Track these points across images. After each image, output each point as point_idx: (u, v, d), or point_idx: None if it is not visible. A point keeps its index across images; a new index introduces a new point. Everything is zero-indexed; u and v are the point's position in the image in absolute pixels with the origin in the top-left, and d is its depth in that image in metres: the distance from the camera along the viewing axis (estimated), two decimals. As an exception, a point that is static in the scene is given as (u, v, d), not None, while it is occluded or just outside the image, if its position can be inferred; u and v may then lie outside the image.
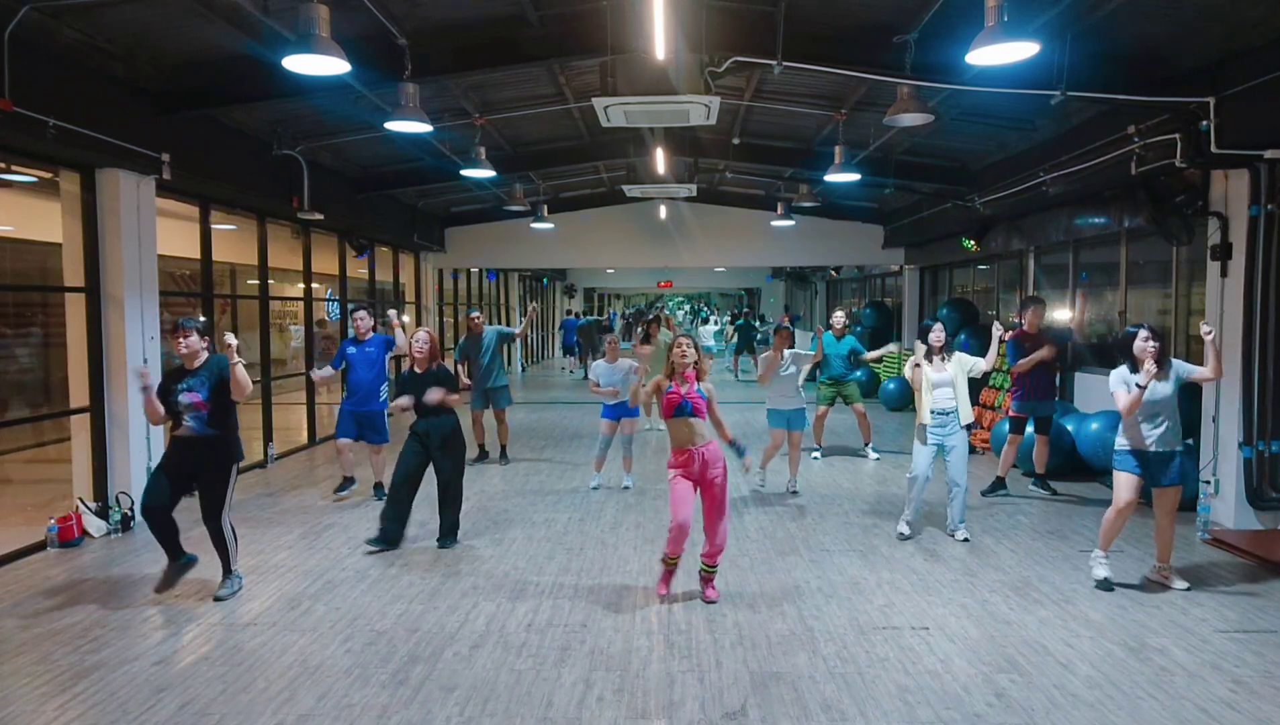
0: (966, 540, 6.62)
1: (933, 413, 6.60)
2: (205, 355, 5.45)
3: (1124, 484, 5.48)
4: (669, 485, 5.28)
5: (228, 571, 5.56)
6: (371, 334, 8.03)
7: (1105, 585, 5.54)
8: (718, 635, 4.84)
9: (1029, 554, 6.35)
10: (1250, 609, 5.24)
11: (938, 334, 6.72)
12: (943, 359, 6.70)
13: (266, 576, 5.91)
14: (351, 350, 7.97)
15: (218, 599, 5.41)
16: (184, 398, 5.33)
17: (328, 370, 8.11)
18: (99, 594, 5.57)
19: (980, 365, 6.78)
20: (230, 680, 4.31)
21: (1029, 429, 8.39)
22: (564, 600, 5.42)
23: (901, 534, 6.72)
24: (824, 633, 4.87)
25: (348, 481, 8.16)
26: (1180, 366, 5.57)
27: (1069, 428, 8.95)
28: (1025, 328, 8.27)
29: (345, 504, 7.94)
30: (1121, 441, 5.54)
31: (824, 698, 4.11)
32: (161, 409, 5.37)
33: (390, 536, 6.48)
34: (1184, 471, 5.57)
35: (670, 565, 5.43)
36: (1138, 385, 5.35)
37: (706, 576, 5.42)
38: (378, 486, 8.03)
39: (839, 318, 10.33)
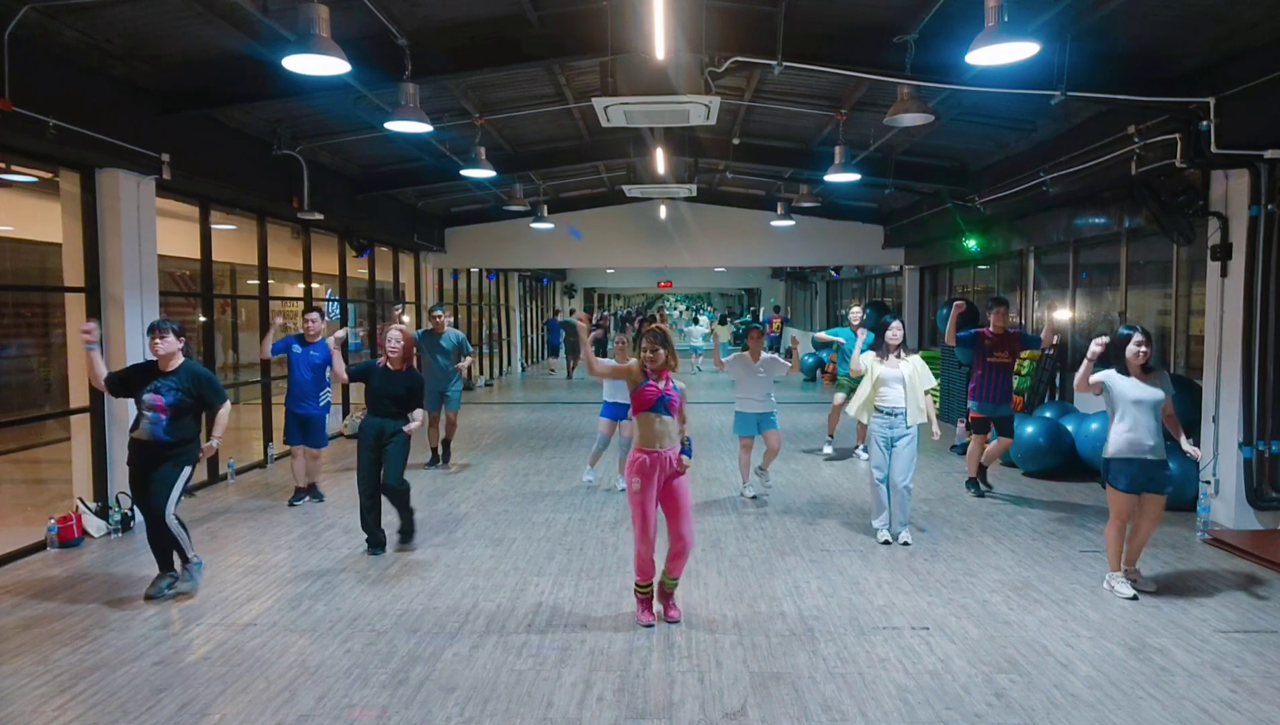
0: (907, 544, 6.51)
1: (879, 410, 6.56)
2: (180, 358, 5.44)
3: (1121, 503, 5.43)
4: (629, 500, 4.97)
5: (185, 561, 5.56)
6: (321, 338, 7.86)
7: (1135, 599, 5.44)
8: (718, 635, 4.84)
9: (1029, 554, 6.35)
10: (1250, 609, 5.24)
11: (894, 331, 6.68)
12: (898, 356, 6.64)
13: (267, 576, 5.91)
14: (297, 349, 7.80)
15: (183, 593, 5.43)
16: (147, 397, 5.32)
17: (266, 351, 8.02)
18: (99, 594, 5.57)
19: (928, 384, 6.63)
20: (230, 680, 4.31)
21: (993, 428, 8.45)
22: (564, 600, 5.42)
23: (885, 540, 6.61)
24: (824, 633, 4.87)
25: (300, 492, 8.05)
26: (1168, 384, 5.49)
27: (1069, 428, 8.95)
28: (991, 328, 8.24)
29: (346, 504, 7.93)
30: (1116, 448, 5.42)
31: (824, 698, 4.11)
32: (102, 371, 5.40)
33: (377, 540, 6.48)
34: (1171, 479, 5.53)
35: (644, 594, 5.05)
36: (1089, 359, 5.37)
37: (667, 591, 5.05)
38: (311, 487, 8.06)
39: (855, 313, 10.31)
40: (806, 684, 4.25)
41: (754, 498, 8.19)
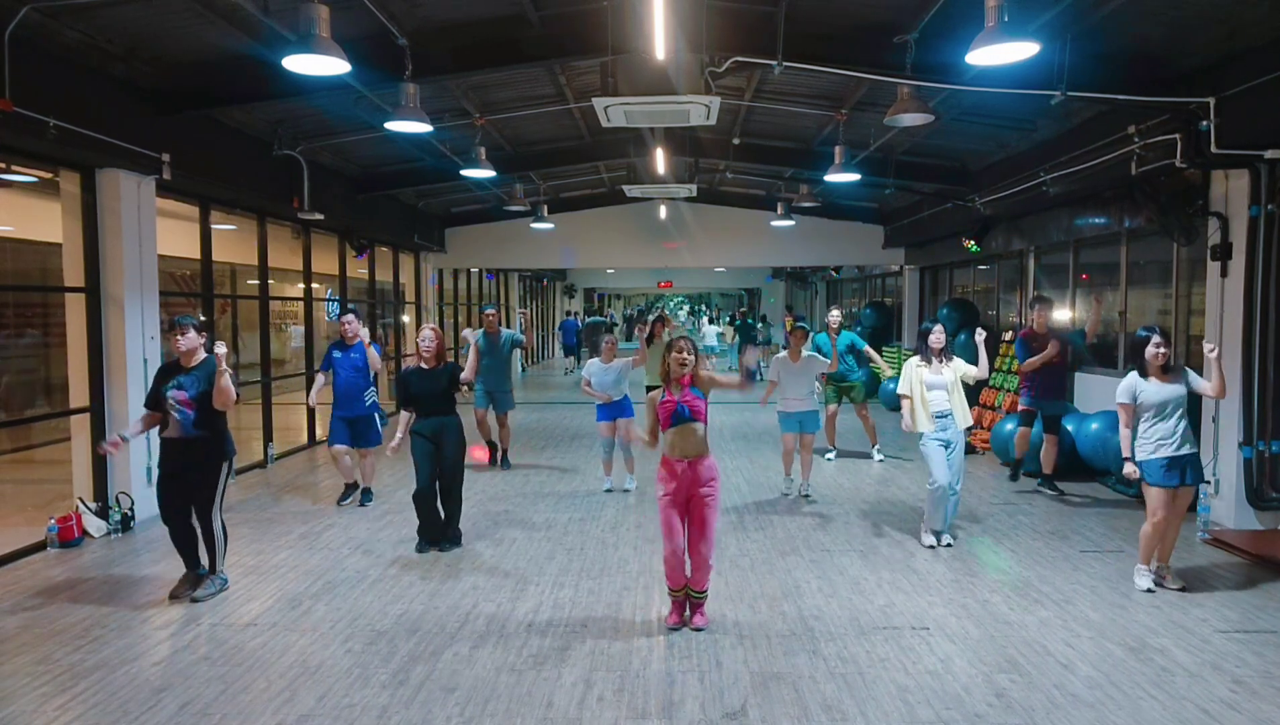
0: (950, 546, 6.48)
1: (933, 416, 6.47)
2: (203, 354, 5.46)
3: (1157, 499, 5.41)
4: (658, 505, 4.94)
5: (213, 570, 5.56)
6: (359, 339, 7.88)
7: (1151, 593, 5.48)
8: (718, 635, 4.84)
9: (1029, 554, 6.35)
10: (1250, 609, 5.25)
11: (938, 336, 6.57)
12: (941, 362, 6.56)
13: (266, 576, 5.91)
14: (337, 355, 7.82)
15: (195, 600, 5.37)
16: (172, 395, 5.34)
17: (319, 379, 8.06)
18: (99, 594, 5.57)
19: (973, 372, 6.57)
20: (230, 680, 4.31)
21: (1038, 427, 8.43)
22: (564, 600, 5.42)
23: (930, 545, 6.49)
24: (824, 633, 4.87)
25: (350, 488, 8.05)
26: (1191, 376, 5.51)
27: (1069, 428, 8.94)
28: (1034, 327, 8.25)
29: (346, 504, 7.94)
30: (1146, 448, 5.45)
31: (824, 698, 4.11)
32: (151, 421, 5.48)
33: (430, 537, 6.47)
34: (1200, 472, 5.55)
35: (677, 597, 5.01)
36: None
37: (696, 603, 5.01)
38: (366, 492, 8.00)
39: (834, 317, 10.27)
40: (807, 684, 4.25)
41: (807, 496, 8.14)
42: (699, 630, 4.91)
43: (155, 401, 5.47)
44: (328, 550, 6.52)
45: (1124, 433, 5.56)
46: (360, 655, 4.60)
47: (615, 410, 8.28)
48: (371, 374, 7.96)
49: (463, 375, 6.53)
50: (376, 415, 8.00)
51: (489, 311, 9.77)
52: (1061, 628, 4.94)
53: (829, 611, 5.20)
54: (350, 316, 7.94)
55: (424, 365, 6.49)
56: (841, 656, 4.56)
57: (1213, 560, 6.21)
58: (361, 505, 7.87)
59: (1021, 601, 5.37)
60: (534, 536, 6.87)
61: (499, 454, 9.86)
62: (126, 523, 7.03)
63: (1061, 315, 10.93)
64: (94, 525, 6.87)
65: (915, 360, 6.64)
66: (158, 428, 5.53)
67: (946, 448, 6.47)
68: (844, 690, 4.18)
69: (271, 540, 6.80)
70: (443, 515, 6.55)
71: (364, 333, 7.90)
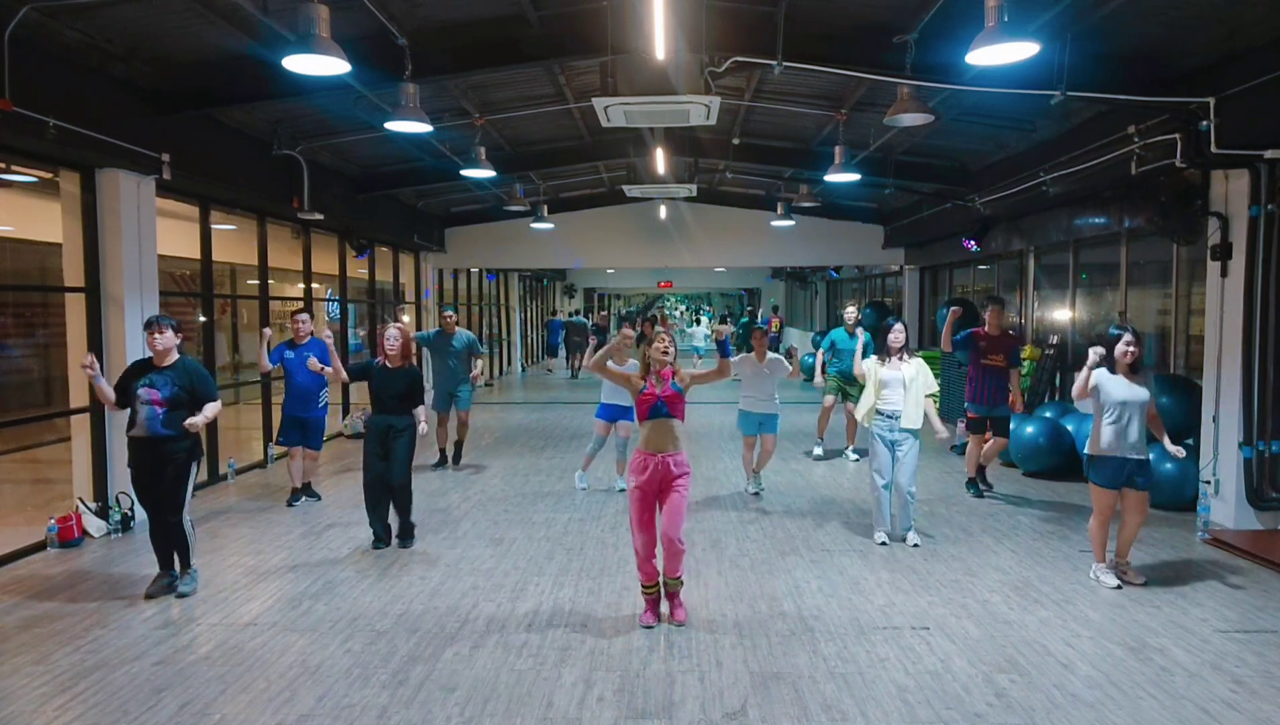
0: (917, 546, 6.47)
1: (878, 413, 6.50)
2: (176, 354, 5.47)
3: (1102, 497, 5.60)
4: (628, 499, 4.99)
5: (186, 566, 5.59)
6: (310, 338, 7.85)
7: (1119, 588, 5.57)
8: (718, 635, 4.84)
9: (1029, 554, 6.35)
10: (1250, 609, 5.25)
11: (896, 335, 6.58)
12: (900, 358, 6.54)
13: (266, 576, 5.91)
14: (289, 354, 7.80)
15: (180, 595, 5.43)
16: (143, 393, 5.33)
17: (265, 363, 8.05)
18: (99, 594, 5.57)
19: (929, 388, 6.52)
20: (230, 680, 4.31)
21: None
22: (564, 600, 5.42)
23: (883, 543, 6.56)
24: (824, 633, 4.88)
25: (297, 493, 8.04)
26: (1153, 385, 5.62)
27: (1069, 428, 8.95)
28: (986, 328, 8.23)
29: (345, 504, 7.94)
30: (1100, 445, 5.54)
31: (824, 698, 4.11)
32: (112, 394, 5.46)
33: (380, 536, 6.56)
34: (1153, 477, 5.60)
35: (649, 594, 5.05)
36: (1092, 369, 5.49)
37: (671, 591, 5.04)
38: (306, 487, 8.06)
39: (850, 313, 10.28)
40: (806, 684, 4.25)
41: (755, 494, 8.24)
42: (680, 625, 4.94)
43: (124, 392, 5.44)
44: (328, 550, 6.52)
45: (1074, 391, 5.63)
46: (360, 655, 4.60)
47: (617, 411, 8.25)
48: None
49: (422, 423, 6.54)
50: (326, 418, 8.09)
51: (447, 313, 9.82)
52: (1061, 628, 4.95)
53: (829, 611, 5.20)
54: (303, 316, 7.93)
55: (388, 364, 6.52)
56: (841, 656, 4.56)
57: (1213, 560, 6.21)
58: (315, 501, 7.95)
59: (1021, 601, 5.37)
60: (534, 536, 6.87)
61: (444, 459, 9.80)
62: (126, 522, 7.03)
63: (1061, 315, 10.95)
64: (94, 525, 6.87)
65: (873, 360, 6.66)
66: (125, 427, 5.50)
67: (893, 448, 6.51)
68: (844, 690, 4.18)
69: (271, 540, 6.80)
70: (398, 521, 6.60)
71: (325, 332, 7.92)
